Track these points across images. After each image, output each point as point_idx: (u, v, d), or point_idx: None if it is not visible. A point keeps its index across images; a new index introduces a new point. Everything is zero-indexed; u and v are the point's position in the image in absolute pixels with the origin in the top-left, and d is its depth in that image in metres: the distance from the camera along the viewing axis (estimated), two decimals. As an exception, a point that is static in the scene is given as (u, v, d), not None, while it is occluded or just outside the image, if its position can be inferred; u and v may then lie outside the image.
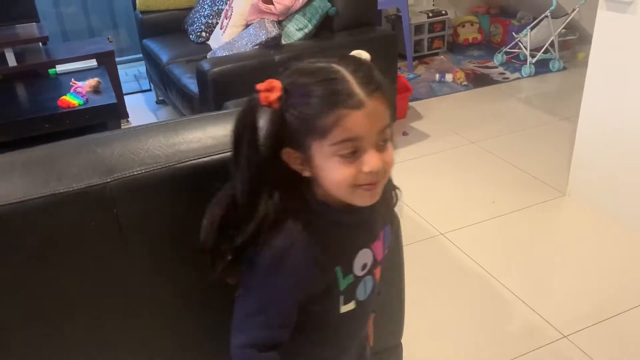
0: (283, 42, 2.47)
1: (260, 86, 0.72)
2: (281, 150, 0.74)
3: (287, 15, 2.52)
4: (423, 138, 2.88)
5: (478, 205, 2.27)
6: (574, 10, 3.44)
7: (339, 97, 0.69)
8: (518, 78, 3.61)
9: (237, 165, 0.76)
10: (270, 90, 0.71)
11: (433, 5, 4.10)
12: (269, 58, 2.31)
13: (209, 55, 2.65)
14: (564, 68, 3.68)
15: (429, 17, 3.93)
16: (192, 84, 2.42)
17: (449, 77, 3.63)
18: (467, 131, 2.90)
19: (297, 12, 2.51)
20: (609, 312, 1.68)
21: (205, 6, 3.05)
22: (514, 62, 3.81)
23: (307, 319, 0.81)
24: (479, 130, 2.91)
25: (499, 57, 3.83)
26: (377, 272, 0.87)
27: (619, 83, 1.91)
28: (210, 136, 0.95)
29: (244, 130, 0.74)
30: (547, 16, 3.52)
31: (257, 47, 2.41)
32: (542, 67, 3.67)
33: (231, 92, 2.16)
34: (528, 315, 1.70)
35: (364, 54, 0.79)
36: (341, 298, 0.82)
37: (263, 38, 2.40)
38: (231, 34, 2.70)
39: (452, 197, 2.35)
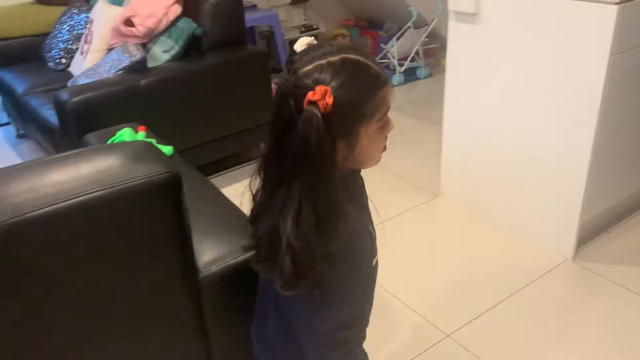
0: (149, 65, 2.38)
1: (315, 96, 0.72)
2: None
3: (151, 37, 2.43)
4: (304, 152, 2.89)
5: (360, 214, 2.31)
6: (433, 20, 3.67)
7: (378, 80, 0.79)
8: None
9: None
10: (325, 97, 0.73)
11: (305, 20, 4.18)
12: (135, 83, 2.21)
13: (69, 83, 2.48)
14: (430, 75, 3.90)
15: (301, 31, 3.99)
16: (52, 116, 2.25)
17: (325, 89, 3.70)
18: (345, 142, 2.97)
19: (162, 33, 2.43)
20: (484, 306, 1.79)
21: (64, 31, 2.86)
22: (385, 72, 3.97)
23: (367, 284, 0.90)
24: (357, 140, 2.98)
25: (370, 68, 3.97)
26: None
27: (472, 87, 2.05)
28: (53, 182, 0.87)
29: (326, 143, 0.75)
30: (410, 27, 3.72)
31: (121, 72, 2.29)
32: (410, 75, 3.86)
33: (95, 123, 2.01)
34: (413, 318, 1.76)
35: (307, 39, 0.83)
36: (375, 273, 0.93)
37: (127, 62, 2.29)
38: (93, 60, 2.55)
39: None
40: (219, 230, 1.23)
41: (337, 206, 0.78)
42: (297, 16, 4.16)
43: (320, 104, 0.73)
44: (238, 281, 1.14)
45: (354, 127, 0.79)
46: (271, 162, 0.84)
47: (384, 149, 0.86)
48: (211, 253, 1.14)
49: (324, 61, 0.77)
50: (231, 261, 1.12)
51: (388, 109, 0.82)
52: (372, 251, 0.91)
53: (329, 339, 0.85)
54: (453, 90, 2.14)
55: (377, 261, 0.93)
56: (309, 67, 0.77)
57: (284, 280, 0.80)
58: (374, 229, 0.93)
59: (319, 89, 0.73)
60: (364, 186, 0.96)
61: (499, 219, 2.16)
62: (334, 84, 0.75)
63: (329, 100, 0.73)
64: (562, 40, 1.72)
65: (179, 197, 0.99)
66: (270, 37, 3.91)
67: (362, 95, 0.78)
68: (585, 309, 1.75)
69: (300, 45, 0.82)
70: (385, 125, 0.83)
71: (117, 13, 2.53)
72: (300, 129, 0.74)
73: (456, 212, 2.29)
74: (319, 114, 0.73)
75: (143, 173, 0.93)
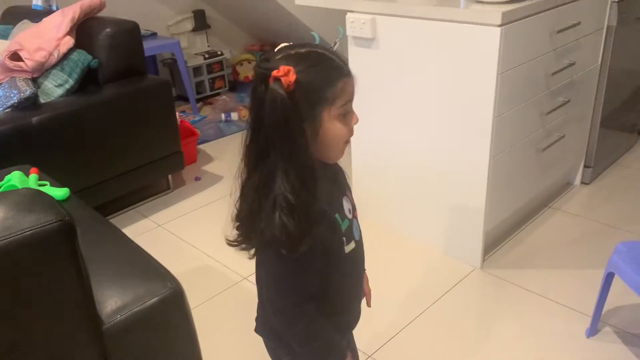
0: (42, 100, 2.24)
1: (279, 73, 0.80)
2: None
3: (42, 72, 2.30)
4: (217, 180, 2.84)
5: (276, 240, 2.29)
6: (335, 43, 3.75)
7: (340, 70, 0.88)
8: (298, 109, 3.80)
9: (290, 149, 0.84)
10: (288, 74, 0.81)
11: (208, 46, 4.13)
12: (26, 121, 2.07)
13: (-50, 124, 2.28)
14: (337, 96, 3.98)
15: (205, 58, 3.94)
16: None
17: (234, 115, 3.67)
18: (257, 167, 2.94)
19: (54, 67, 2.30)
20: (403, 321, 1.82)
21: (-59, 67, 2.63)
22: (293, 95, 4.01)
23: (327, 266, 0.94)
24: (268, 165, 2.97)
25: (278, 92, 4.00)
26: (357, 214, 1.03)
27: (374, 107, 2.11)
28: None
29: (289, 120, 0.82)
30: (313, 50, 3.78)
31: (9, 109, 2.14)
32: (317, 97, 3.92)
33: (-19, 166, 1.87)
34: (334, 341, 1.75)
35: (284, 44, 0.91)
36: (344, 239, 0.96)
37: (15, 99, 2.14)
38: (-23, 98, 2.36)
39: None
40: (122, 275, 1.16)
41: (313, 174, 0.85)
42: (200, 43, 4.11)
43: (283, 80, 0.80)
44: (146, 328, 1.08)
45: (316, 109, 0.86)
46: (251, 148, 0.88)
47: (347, 142, 0.92)
48: (114, 301, 1.08)
49: (292, 51, 0.86)
50: (137, 308, 1.07)
51: (350, 99, 0.90)
52: (338, 237, 0.95)
53: (287, 313, 0.94)
54: (357, 109, 2.18)
55: (353, 249, 0.99)
56: (278, 56, 0.86)
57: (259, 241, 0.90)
58: (347, 218, 0.98)
59: (283, 67, 0.81)
60: (344, 178, 1.05)
61: (409, 233, 2.22)
62: (298, 67, 0.82)
63: (292, 77, 0.80)
64: (453, 60, 1.82)
65: (73, 246, 0.92)
66: (172, 65, 3.83)
67: (323, 80, 0.86)
68: (498, 315, 1.83)
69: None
70: (347, 115, 0.90)
71: (1, 47, 2.37)
72: (267, 106, 0.81)
73: (368, 228, 2.31)
74: (282, 90, 0.80)
75: (30, 224, 0.86)
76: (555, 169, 2.32)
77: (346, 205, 0.99)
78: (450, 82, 1.85)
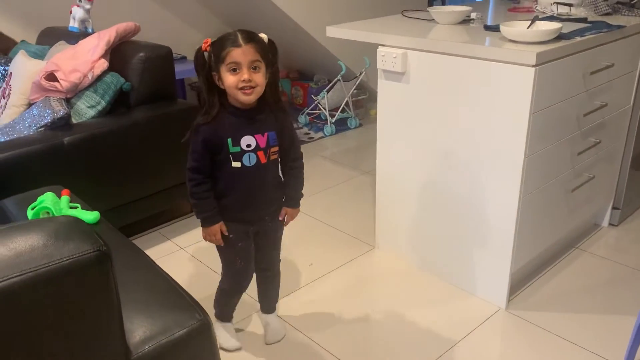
0: (74, 121, 2.28)
1: (206, 42, 1.47)
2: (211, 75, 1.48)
3: (76, 93, 2.34)
4: (238, 205, 2.85)
5: (297, 270, 2.28)
6: (361, 73, 3.78)
7: (230, 41, 1.42)
8: (322, 137, 3.82)
9: (201, 83, 1.51)
10: (207, 42, 1.47)
11: (235, 71, 4.18)
12: (58, 141, 2.10)
13: (-16, 140, 2.32)
14: (360, 124, 4.00)
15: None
16: (-37, 176, 2.09)
17: (258, 140, 3.69)
18: (280, 194, 2.95)
19: (87, 88, 2.34)
20: (431, 356, 1.78)
21: (-22, 84, 2.70)
22: (317, 122, 4.04)
23: (216, 165, 1.53)
24: (291, 192, 2.98)
25: (302, 118, 4.03)
26: (261, 154, 1.53)
27: (403, 142, 2.11)
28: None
29: (202, 68, 1.49)
30: (339, 80, 3.82)
31: (42, 129, 2.18)
32: (341, 125, 3.94)
33: (15, 185, 1.89)
34: (355, 377, 1.72)
35: (263, 35, 1.50)
36: (231, 157, 1.51)
37: (49, 119, 2.18)
38: (11, 115, 2.41)
39: (272, 264, 2.33)
40: (151, 304, 1.16)
41: (209, 100, 1.51)
42: (228, 67, 4.16)
43: (203, 45, 1.48)
44: (174, 360, 1.07)
45: (218, 64, 1.44)
46: (199, 83, 1.55)
47: (242, 89, 1.44)
48: (143, 331, 1.07)
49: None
50: (165, 340, 1.06)
51: (235, 61, 1.42)
52: (225, 153, 1.50)
53: (186, 173, 1.54)
54: (384, 143, 2.18)
55: (239, 168, 1.52)
56: None
57: None
58: (239, 147, 1.51)
59: (206, 39, 1.48)
60: (267, 127, 1.54)
61: (435, 270, 2.19)
62: (213, 40, 1.47)
63: (208, 43, 1.47)
64: (485, 98, 1.81)
65: (108, 276, 0.92)
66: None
67: (220, 47, 1.43)
68: (523, 359, 1.78)
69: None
70: (236, 71, 1.42)
71: (38, 67, 2.42)
72: (197, 59, 1.49)
73: (393, 263, 2.31)
74: (203, 50, 1.48)
75: (69, 253, 0.86)
76: (583, 209, 2.28)
77: (245, 141, 1.51)
78: (481, 119, 1.85)
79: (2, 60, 2.75)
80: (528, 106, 1.72)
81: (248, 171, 1.53)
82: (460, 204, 2.01)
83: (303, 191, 1.71)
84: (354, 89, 3.88)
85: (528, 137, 1.76)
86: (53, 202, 1.47)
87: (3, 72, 2.70)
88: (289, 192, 1.67)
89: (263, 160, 1.54)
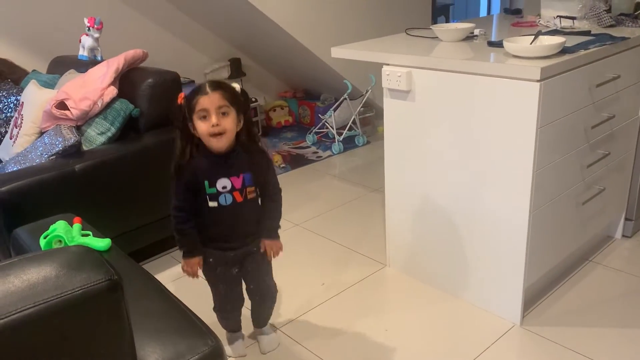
0: (84, 148, 2.31)
1: (180, 96, 1.60)
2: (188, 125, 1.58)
3: (86, 120, 2.37)
4: (248, 226, 2.85)
5: (309, 290, 2.28)
6: (367, 91, 3.81)
7: (198, 91, 1.54)
8: (330, 155, 3.83)
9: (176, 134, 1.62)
10: (180, 97, 1.60)
11: (242, 93, 4.22)
12: (69, 168, 2.13)
13: (-3, 169, 2.36)
14: (368, 142, 4.01)
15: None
16: (-23, 206, 2.11)
17: (266, 160, 3.71)
18: (290, 214, 2.96)
19: (97, 115, 2.38)
20: (440, 378, 1.76)
21: (-9, 114, 2.75)
22: (325, 141, 4.06)
23: (198, 205, 1.64)
24: (300, 211, 2.98)
25: (310, 137, 4.05)
26: (237, 194, 1.63)
27: (410, 159, 2.11)
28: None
29: (178, 120, 1.59)
30: (346, 98, 3.84)
31: (54, 157, 2.21)
32: (349, 143, 3.96)
33: (26, 213, 1.92)
34: (370, 399, 1.70)
35: (235, 84, 1.62)
36: (207, 197, 1.62)
37: (60, 147, 2.21)
38: (23, 144, 2.45)
39: (283, 285, 2.32)
40: (162, 330, 1.16)
41: (181, 148, 1.61)
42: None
43: (179, 99, 1.60)
44: (186, 388, 1.07)
45: (191, 114, 1.55)
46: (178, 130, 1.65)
47: (214, 135, 1.54)
48: (155, 358, 1.07)
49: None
50: (178, 366, 1.06)
51: (204, 109, 1.52)
52: (203, 194, 1.62)
53: (171, 212, 1.67)
54: (392, 161, 2.19)
55: (216, 207, 1.63)
56: None
57: None
58: (215, 188, 1.62)
59: (181, 94, 1.62)
60: (241, 170, 1.63)
61: (447, 287, 2.18)
62: (186, 93, 1.60)
63: (181, 97, 1.60)
64: (491, 114, 1.82)
65: (120, 305, 0.93)
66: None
67: (190, 98, 1.55)
68: (537, 376, 1.76)
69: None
70: (206, 118, 1.53)
71: (49, 96, 2.46)
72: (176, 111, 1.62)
73: (405, 281, 2.30)
74: (179, 103, 1.59)
75: (80, 283, 0.87)
76: (595, 222, 2.26)
77: (221, 183, 1.61)
78: (488, 135, 1.85)
79: (14, 90, 2.80)
80: (534, 121, 1.72)
81: (226, 209, 1.63)
82: (470, 220, 2.00)
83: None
84: (361, 107, 3.90)
85: (536, 152, 1.75)
86: (65, 231, 1.48)
87: (15, 101, 2.75)
88: (264, 223, 1.73)
89: (239, 199, 1.64)
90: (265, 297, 1.86)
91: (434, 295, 2.19)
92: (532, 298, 2.09)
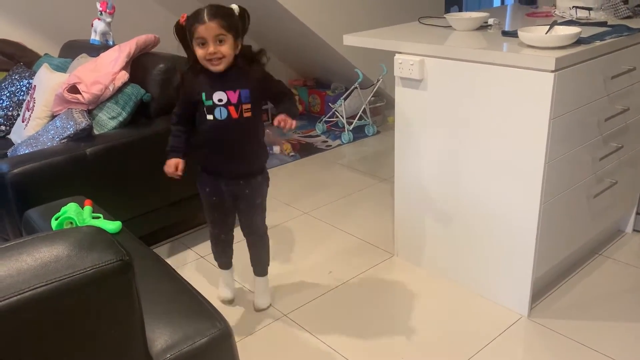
0: (95, 132, 2.32)
1: (183, 16, 1.68)
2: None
3: (97, 104, 2.38)
4: (257, 213, 2.86)
5: (316, 278, 2.28)
6: (378, 80, 3.79)
7: (197, 18, 1.63)
8: (339, 144, 3.82)
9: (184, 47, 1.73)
10: (183, 17, 1.68)
11: (253, 80, 4.22)
12: (80, 152, 2.14)
13: (9, 152, 2.38)
14: (378, 132, 3.99)
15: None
16: (-11, 187, 2.13)
17: (276, 149, 3.71)
18: (299, 202, 2.96)
19: (108, 100, 2.38)
20: (446, 368, 1.77)
21: (3, 97, 2.77)
22: (334, 130, 4.05)
23: (197, 119, 1.78)
24: (310, 200, 2.98)
25: (320, 126, 4.04)
26: (232, 109, 1.73)
27: (421, 148, 2.10)
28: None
29: (183, 38, 1.70)
30: (356, 87, 3.83)
31: (65, 140, 2.22)
32: (359, 132, 3.94)
33: (38, 195, 1.94)
34: (376, 386, 1.71)
35: (234, 6, 1.72)
36: (205, 110, 1.73)
37: (72, 130, 2.22)
38: (35, 127, 2.46)
39: (290, 273, 2.34)
40: (172, 313, 1.17)
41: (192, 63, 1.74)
42: (246, 77, 4.20)
43: (180, 19, 1.69)
44: (195, 369, 1.07)
45: (190, 36, 1.66)
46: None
47: (209, 61, 1.66)
48: (164, 340, 1.08)
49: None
50: (186, 348, 1.07)
51: (201, 36, 1.62)
52: (201, 106, 1.74)
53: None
54: (402, 151, 2.18)
55: (212, 120, 1.74)
56: None
57: None
58: (212, 100, 1.73)
59: (183, 15, 1.69)
60: (237, 85, 1.73)
61: (455, 277, 2.18)
62: (188, 14, 1.67)
63: (183, 18, 1.68)
64: (504, 104, 1.80)
65: (131, 286, 0.93)
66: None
67: (190, 23, 1.65)
68: (544, 367, 1.76)
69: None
70: (204, 44, 1.64)
71: (61, 80, 2.47)
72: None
73: (412, 271, 2.30)
74: (180, 24, 1.69)
75: (92, 263, 0.87)
76: (606, 215, 2.25)
77: (217, 95, 1.71)
78: (500, 125, 1.83)
79: (27, 74, 2.81)
80: (548, 112, 1.70)
81: (221, 125, 1.74)
82: (480, 210, 1.99)
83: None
84: (371, 96, 3.88)
85: (548, 143, 1.74)
86: (76, 213, 1.49)
87: (27, 85, 2.76)
88: (281, 106, 1.81)
89: (234, 115, 1.73)
90: (255, 237, 2.01)
91: (441, 286, 2.18)
92: (541, 290, 2.08)
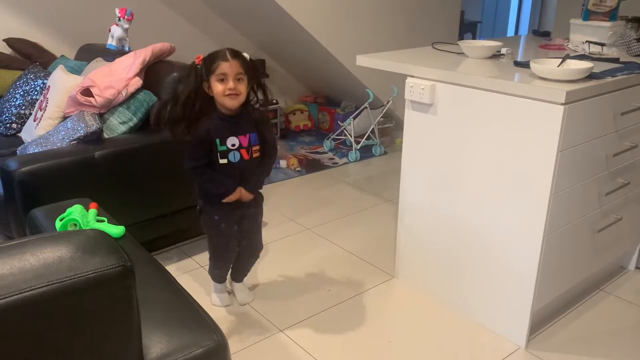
0: (105, 136, 2.34)
1: (198, 57, 1.81)
2: (202, 84, 1.80)
3: (109, 108, 2.40)
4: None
5: (315, 295, 2.27)
6: (388, 102, 3.81)
7: (220, 56, 1.76)
8: (346, 163, 3.83)
9: (191, 90, 1.83)
10: (199, 58, 1.80)
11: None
12: (89, 154, 2.16)
13: (19, 150, 2.40)
14: (385, 152, 4.00)
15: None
16: (-4, 184, 2.15)
17: (283, 163, 3.73)
18: (302, 217, 2.96)
19: (120, 104, 2.41)
20: (440, 395, 1.75)
21: (17, 95, 2.80)
22: (342, 148, 4.06)
23: (211, 162, 1.85)
24: (313, 216, 2.99)
25: (327, 143, 4.06)
26: (244, 152, 1.86)
27: (427, 173, 2.10)
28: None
29: (195, 79, 1.80)
30: (366, 107, 3.85)
31: (75, 142, 2.24)
32: (366, 152, 3.96)
33: (44, 195, 1.95)
34: (368, 409, 1.69)
35: (245, 54, 1.83)
36: (219, 155, 1.83)
37: (82, 132, 2.24)
38: (46, 127, 2.48)
39: (290, 288, 2.33)
40: (169, 321, 1.17)
41: (199, 102, 1.83)
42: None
43: (197, 60, 1.80)
44: (189, 380, 1.07)
45: (209, 75, 1.77)
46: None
47: (228, 96, 1.77)
48: (160, 348, 1.08)
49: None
50: (181, 358, 1.06)
51: (223, 72, 1.75)
52: (214, 151, 1.83)
53: (189, 171, 1.89)
54: (408, 173, 2.18)
55: (226, 164, 1.85)
56: None
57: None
58: (226, 146, 1.84)
59: (198, 55, 1.82)
60: (249, 129, 1.87)
61: (454, 304, 2.16)
62: (204, 55, 1.80)
63: (199, 59, 1.80)
64: (512, 134, 1.81)
65: (130, 291, 0.94)
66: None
67: (211, 61, 1.77)
68: (539, 401, 1.74)
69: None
70: (224, 80, 1.76)
71: (75, 82, 2.50)
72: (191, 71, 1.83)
73: (411, 294, 2.29)
74: (196, 64, 1.80)
75: (94, 266, 0.88)
76: (609, 251, 2.24)
77: (230, 141, 1.83)
78: (507, 155, 1.84)
79: (42, 74, 2.84)
80: (556, 144, 1.71)
81: (234, 167, 1.86)
82: (482, 238, 1.99)
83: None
84: (381, 117, 3.90)
85: (555, 175, 1.74)
86: (81, 215, 1.50)
87: (42, 85, 2.79)
88: (252, 178, 1.93)
89: (246, 157, 1.87)
90: (254, 253, 2.13)
91: (440, 311, 2.17)
92: (540, 322, 2.07)
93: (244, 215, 1.99)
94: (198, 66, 1.79)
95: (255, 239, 2.09)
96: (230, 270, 2.19)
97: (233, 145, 1.83)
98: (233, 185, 1.89)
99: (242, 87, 1.78)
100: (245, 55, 1.82)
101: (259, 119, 1.90)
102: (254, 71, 1.84)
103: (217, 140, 1.82)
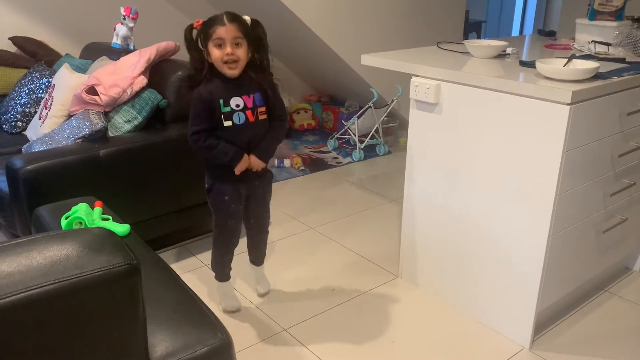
0: (110, 134, 2.34)
1: (198, 21, 1.76)
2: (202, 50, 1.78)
3: (114, 107, 2.41)
4: (263, 225, 2.86)
5: (319, 294, 2.27)
6: (392, 101, 3.80)
7: (216, 21, 1.72)
8: (350, 162, 3.83)
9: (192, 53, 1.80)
10: (198, 22, 1.76)
11: (268, 93, 4.25)
12: (93, 152, 2.16)
13: (24, 148, 2.40)
14: (389, 152, 4.00)
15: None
16: (2, 182, 2.16)
17: (287, 162, 3.73)
18: (305, 217, 2.96)
19: (125, 103, 2.41)
20: (444, 395, 1.75)
21: (22, 94, 2.81)
22: (346, 147, 4.06)
23: (215, 125, 1.80)
24: (317, 215, 2.99)
25: (331, 143, 4.06)
26: (249, 113, 1.82)
27: (432, 172, 2.10)
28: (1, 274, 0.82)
29: (190, 42, 1.79)
30: (370, 106, 3.84)
31: (80, 140, 2.24)
32: (370, 151, 3.95)
33: (49, 193, 1.95)
34: (371, 409, 1.69)
35: (246, 17, 1.78)
36: (222, 116, 1.78)
37: (87, 131, 2.25)
38: (51, 125, 2.49)
39: (294, 287, 2.33)
40: (174, 320, 1.17)
41: (193, 67, 1.82)
42: (261, 89, 4.23)
43: (195, 24, 1.77)
44: (194, 378, 1.07)
45: (206, 41, 1.74)
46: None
47: (226, 62, 1.73)
48: (165, 346, 1.08)
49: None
50: (186, 356, 1.07)
51: (220, 37, 1.71)
52: (219, 112, 1.78)
53: (190, 142, 1.83)
54: (413, 173, 2.18)
55: (230, 126, 1.80)
56: None
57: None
58: (229, 106, 1.79)
59: (197, 20, 1.77)
60: (251, 91, 1.83)
61: (458, 304, 2.16)
62: (204, 20, 1.76)
63: (198, 22, 1.77)
64: (518, 134, 1.80)
65: (137, 290, 0.94)
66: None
67: (207, 26, 1.73)
68: (543, 402, 1.73)
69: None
70: (221, 46, 1.72)
71: (80, 80, 2.51)
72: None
73: (415, 294, 2.28)
74: (194, 27, 1.79)
75: (100, 265, 0.88)
76: (614, 252, 2.23)
77: (234, 101, 1.79)
78: (513, 155, 1.83)
79: (47, 72, 2.85)
80: (561, 144, 1.70)
81: (239, 129, 1.80)
82: (487, 238, 1.98)
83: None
84: (385, 116, 3.90)
85: (560, 175, 1.74)
86: (86, 213, 1.50)
87: (47, 83, 2.80)
88: (261, 144, 1.88)
89: (251, 118, 1.82)
90: (263, 228, 2.12)
91: (444, 311, 2.17)
92: (544, 323, 2.06)
93: (250, 195, 1.96)
94: (195, 30, 1.77)
95: (263, 221, 2.09)
96: (249, 256, 2.19)
97: (237, 105, 1.79)
98: (239, 153, 1.83)
99: (241, 52, 1.73)
100: (246, 17, 1.76)
101: (266, 86, 1.84)
102: (256, 33, 1.78)
103: (221, 101, 1.77)
